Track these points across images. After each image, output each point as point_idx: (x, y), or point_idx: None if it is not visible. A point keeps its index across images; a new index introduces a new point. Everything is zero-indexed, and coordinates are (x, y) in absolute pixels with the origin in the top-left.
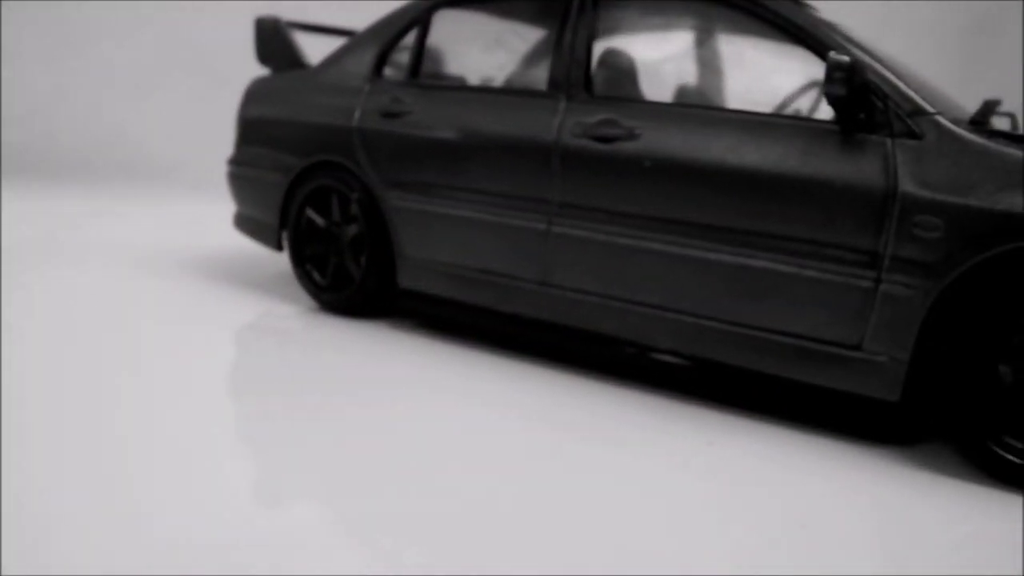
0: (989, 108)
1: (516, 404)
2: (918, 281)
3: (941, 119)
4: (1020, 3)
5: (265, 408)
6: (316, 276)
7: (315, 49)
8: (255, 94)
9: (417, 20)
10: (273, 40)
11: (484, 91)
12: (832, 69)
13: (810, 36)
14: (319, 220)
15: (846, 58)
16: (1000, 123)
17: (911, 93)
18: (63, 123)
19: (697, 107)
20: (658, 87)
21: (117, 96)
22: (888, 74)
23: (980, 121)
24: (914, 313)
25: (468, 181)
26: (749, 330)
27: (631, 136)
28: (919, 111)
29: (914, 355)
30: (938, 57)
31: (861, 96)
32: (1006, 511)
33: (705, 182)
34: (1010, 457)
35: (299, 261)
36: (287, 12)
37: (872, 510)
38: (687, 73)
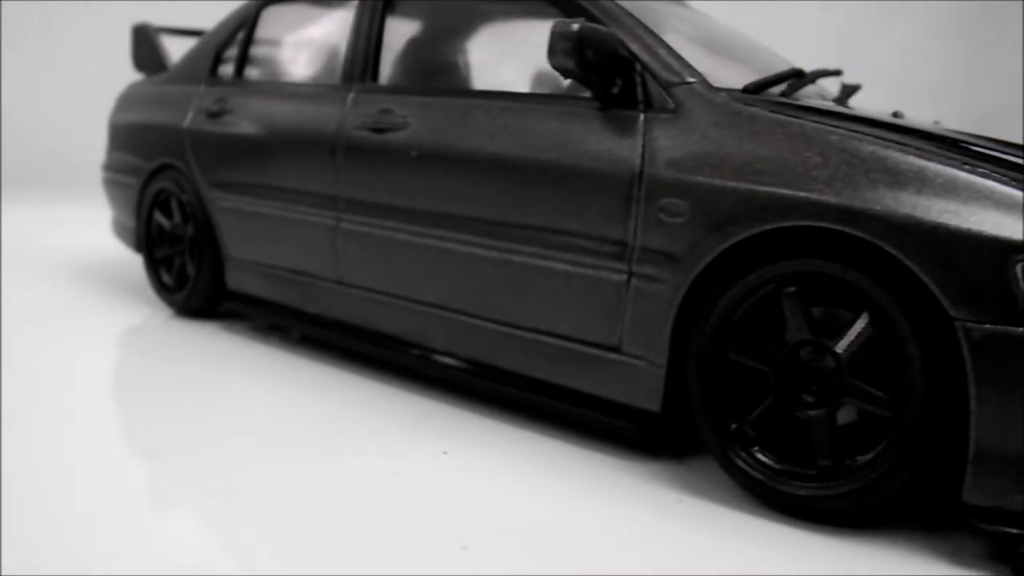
0: (792, 75)
1: (273, 408)
2: (667, 274)
3: (699, 87)
4: (1020, 2)
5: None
6: (165, 278)
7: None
8: (123, 99)
9: (246, 19)
10: (144, 46)
11: (290, 86)
12: (555, 39)
13: (573, 6)
14: (165, 222)
15: (573, 26)
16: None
17: (670, 60)
18: (37, 133)
19: (465, 92)
20: (448, 73)
21: (91, 106)
22: (650, 41)
23: (757, 89)
24: (666, 311)
25: (274, 179)
26: (515, 330)
27: (403, 126)
28: (677, 80)
29: (672, 359)
30: (940, 55)
31: (612, 67)
32: (755, 544)
33: (465, 171)
34: (755, 474)
35: (151, 264)
36: None
37: (566, 537)
38: (479, 58)
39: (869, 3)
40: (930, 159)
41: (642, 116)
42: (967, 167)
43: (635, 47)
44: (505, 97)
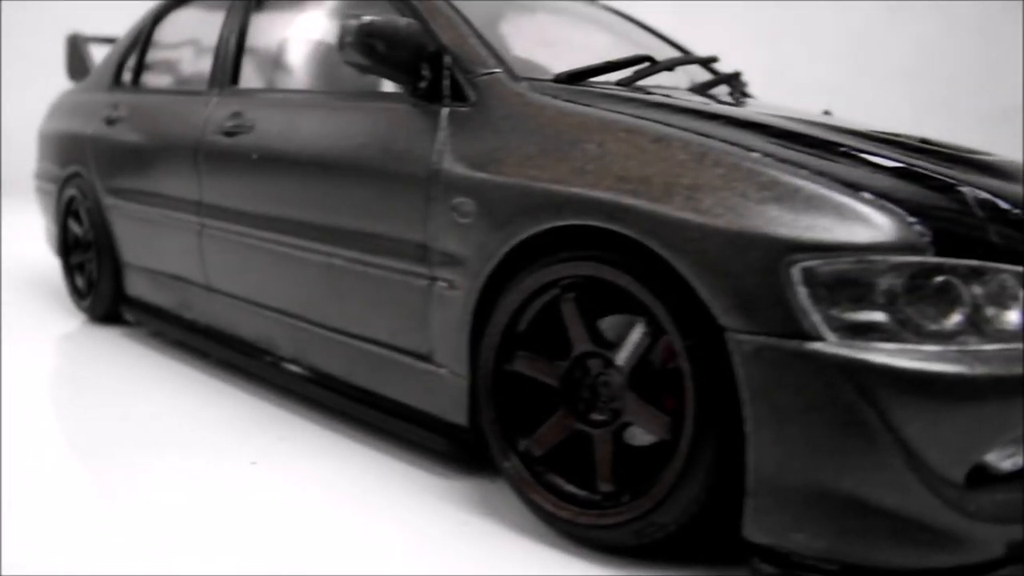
0: (631, 62)
1: (100, 415)
2: (460, 279)
3: (501, 77)
4: (1020, 3)
5: None
6: (79, 283)
7: None
8: (51, 109)
9: (144, 26)
10: (75, 55)
11: (169, 91)
12: (342, 34)
13: (408, 7)
14: (77, 229)
15: (363, 19)
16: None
17: (478, 51)
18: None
19: (301, 92)
20: (293, 74)
21: None
22: (463, 31)
23: (573, 77)
24: (461, 318)
25: (154, 184)
26: (343, 337)
27: (248, 129)
28: (481, 71)
29: (474, 370)
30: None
31: (416, 60)
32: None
33: (297, 174)
34: (536, 497)
35: (67, 270)
36: None
37: (308, 556)
38: (322, 57)
39: (884, 3)
40: (713, 147)
41: (445, 110)
42: (756, 154)
43: (445, 38)
44: (333, 96)
